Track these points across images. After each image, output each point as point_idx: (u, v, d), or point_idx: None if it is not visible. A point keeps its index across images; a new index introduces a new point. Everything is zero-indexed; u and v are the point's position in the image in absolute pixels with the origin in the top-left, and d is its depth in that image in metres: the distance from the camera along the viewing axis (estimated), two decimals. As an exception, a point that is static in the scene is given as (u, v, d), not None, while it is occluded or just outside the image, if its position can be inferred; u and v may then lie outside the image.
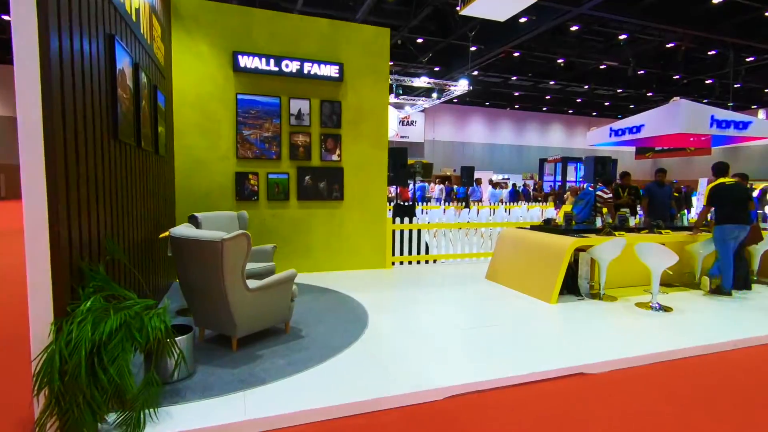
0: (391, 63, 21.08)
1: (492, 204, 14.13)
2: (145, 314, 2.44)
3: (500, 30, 17.35)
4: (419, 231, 7.09)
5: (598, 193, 7.00)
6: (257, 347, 3.47)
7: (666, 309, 4.84)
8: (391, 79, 16.93)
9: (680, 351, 3.68)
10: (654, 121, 14.98)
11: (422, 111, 30.66)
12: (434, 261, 7.27)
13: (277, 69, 5.94)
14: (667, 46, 18.64)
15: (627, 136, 16.03)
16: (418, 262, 7.16)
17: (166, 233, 3.63)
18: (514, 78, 24.64)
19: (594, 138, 17.43)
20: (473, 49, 19.55)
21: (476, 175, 15.28)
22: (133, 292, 2.67)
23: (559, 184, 23.74)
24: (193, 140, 5.72)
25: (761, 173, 25.13)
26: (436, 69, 21.11)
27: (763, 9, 14.42)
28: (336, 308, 4.64)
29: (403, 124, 30.67)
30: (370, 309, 4.63)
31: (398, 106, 22.99)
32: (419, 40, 18.61)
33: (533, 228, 5.93)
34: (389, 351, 3.51)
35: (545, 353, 3.52)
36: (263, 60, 5.86)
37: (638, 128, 15.85)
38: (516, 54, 20.17)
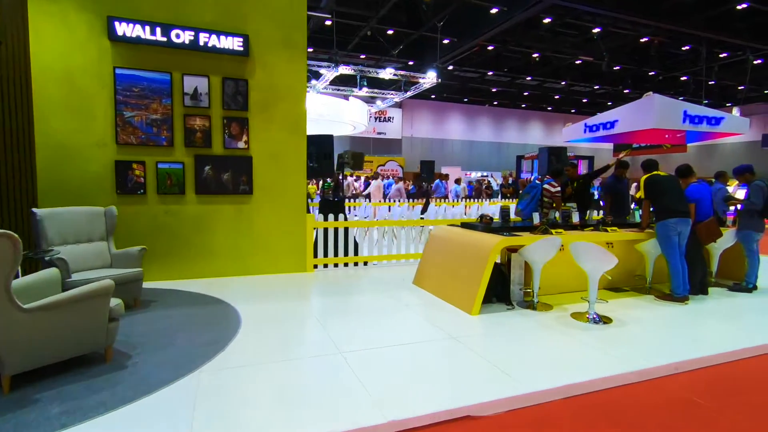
0: (363, 56, 20.27)
1: (454, 201, 13.40)
2: None
3: (472, 21, 16.66)
4: (346, 230, 6.26)
5: (545, 186, 6.25)
6: (42, 387, 2.59)
7: (605, 320, 4.09)
8: (355, 70, 16.08)
9: (604, 380, 2.91)
10: (627, 117, 14.39)
11: (399, 107, 29.93)
12: (365, 263, 6.45)
13: (165, 39, 5.06)
14: (641, 40, 18.17)
15: (601, 132, 15.43)
16: (346, 265, 6.33)
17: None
18: (491, 73, 24.03)
19: (569, 134, 16.81)
20: (446, 41, 18.83)
21: (457, 172, 14.52)
22: None
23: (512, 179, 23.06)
24: (60, 123, 4.81)
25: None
26: (411, 63, 20.35)
27: (734, 2, 13.95)
28: (201, 325, 3.79)
29: (379, 121, 29.91)
30: (246, 325, 3.79)
31: (369, 100, 22.14)
32: (390, 32, 17.83)
33: (464, 226, 5.15)
34: (229, 389, 2.67)
35: (430, 389, 2.72)
36: (147, 28, 4.97)
37: (612, 124, 15.24)
38: (490, 48, 19.49)
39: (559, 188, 6.26)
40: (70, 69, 4.81)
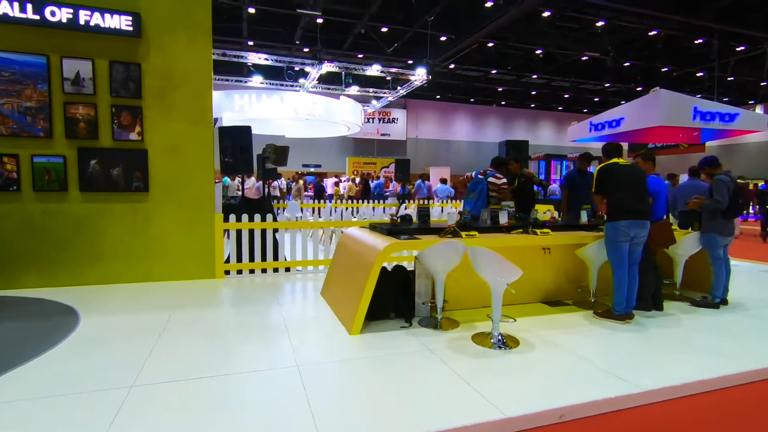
0: (360, 55, 19.72)
1: (442, 201, 12.58)
2: None
3: (467, 17, 15.90)
4: (263, 233, 5.59)
5: (490, 180, 5.43)
6: None
7: (510, 344, 3.29)
8: (339, 68, 15.48)
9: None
10: (633, 114, 13.31)
11: (404, 108, 29.34)
12: (286, 269, 5.77)
13: (38, 17, 4.53)
14: (650, 34, 16.98)
15: (607, 131, 14.37)
16: (264, 271, 5.66)
17: None
18: (494, 71, 23.15)
19: (575, 133, 15.77)
20: (443, 38, 18.09)
21: (446, 173, 13.59)
22: None
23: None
24: None
25: (759, 170, 23.17)
26: (410, 62, 19.68)
27: (746, -8, 12.79)
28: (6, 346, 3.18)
29: (383, 122, 29.37)
30: (65, 345, 3.17)
31: (364, 101, 21.54)
32: (384, 29, 17.24)
33: (372, 228, 4.40)
34: None
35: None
36: (16, 4, 4.45)
37: (618, 122, 14.16)
38: (490, 45, 18.63)
39: (504, 179, 5.44)
40: (-74, 51, 4.33)
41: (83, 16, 4.65)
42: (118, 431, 2.08)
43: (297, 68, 15.47)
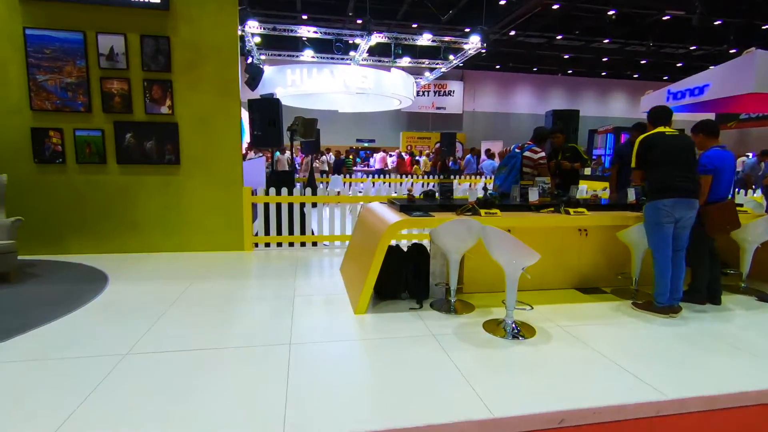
0: (415, 25, 19.04)
1: (488, 177, 12.00)
2: None
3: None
4: (290, 207, 5.57)
5: (526, 153, 4.94)
6: None
7: (524, 334, 2.99)
8: (389, 38, 14.99)
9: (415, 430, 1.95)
10: (721, 80, 11.75)
11: (461, 80, 28.22)
12: (313, 244, 5.73)
13: (74, -5, 4.69)
14: (749, -18, 14.70)
15: (687, 99, 12.87)
16: (291, 245, 5.67)
17: None
18: (560, 37, 21.41)
19: (648, 103, 14.28)
20: (502, 2, 16.93)
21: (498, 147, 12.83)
22: None
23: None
24: (-29, 88, 4.70)
25: None
26: (467, 30, 18.68)
27: None
28: (41, 306, 3.40)
29: (438, 95, 28.49)
30: (91, 308, 3.34)
31: (417, 72, 20.91)
32: (438, -6, 16.44)
33: (390, 203, 4.17)
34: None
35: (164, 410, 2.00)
36: (53, -17, 4.63)
37: (701, 89, 12.62)
38: (555, 7, 17.14)
39: (542, 154, 4.92)
40: (-22, 31, 4.64)
41: (114, -10, 4.74)
42: (94, 399, 2.11)
43: (346, 40, 15.21)
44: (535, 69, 28.10)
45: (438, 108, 28.58)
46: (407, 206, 3.73)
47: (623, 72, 27.77)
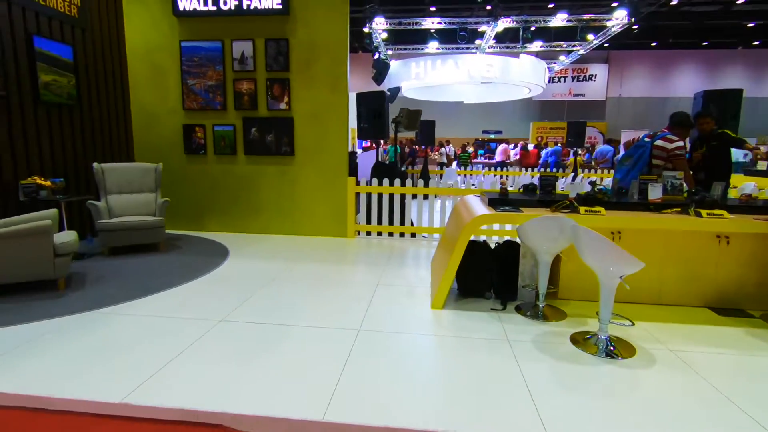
0: (551, 5, 17.63)
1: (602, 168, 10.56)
2: None
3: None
4: (391, 197, 5.66)
5: (657, 143, 4.13)
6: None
7: (620, 353, 2.56)
8: (517, 22, 14.08)
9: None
10: None
11: (605, 62, 25.34)
12: (412, 235, 5.75)
13: (215, 8, 5.44)
14: None
15: None
16: (390, 234, 5.78)
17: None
18: (740, 1, 17.70)
19: None
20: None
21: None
22: None
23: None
24: (145, 94, 5.80)
25: None
26: (615, 4, 16.61)
27: None
28: (173, 273, 4.09)
29: (577, 80, 26.01)
30: (209, 278, 3.91)
31: (550, 57, 19.32)
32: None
33: (491, 199, 3.92)
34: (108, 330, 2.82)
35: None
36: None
37: None
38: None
39: (679, 143, 4.08)
40: (149, 47, 5.69)
41: (245, 1, 5.36)
42: (183, 357, 2.46)
43: (472, 29, 14.76)
44: (704, 43, 23.64)
45: (576, 95, 26.02)
46: (496, 200, 3.49)
47: (836, 39, 21.67)
